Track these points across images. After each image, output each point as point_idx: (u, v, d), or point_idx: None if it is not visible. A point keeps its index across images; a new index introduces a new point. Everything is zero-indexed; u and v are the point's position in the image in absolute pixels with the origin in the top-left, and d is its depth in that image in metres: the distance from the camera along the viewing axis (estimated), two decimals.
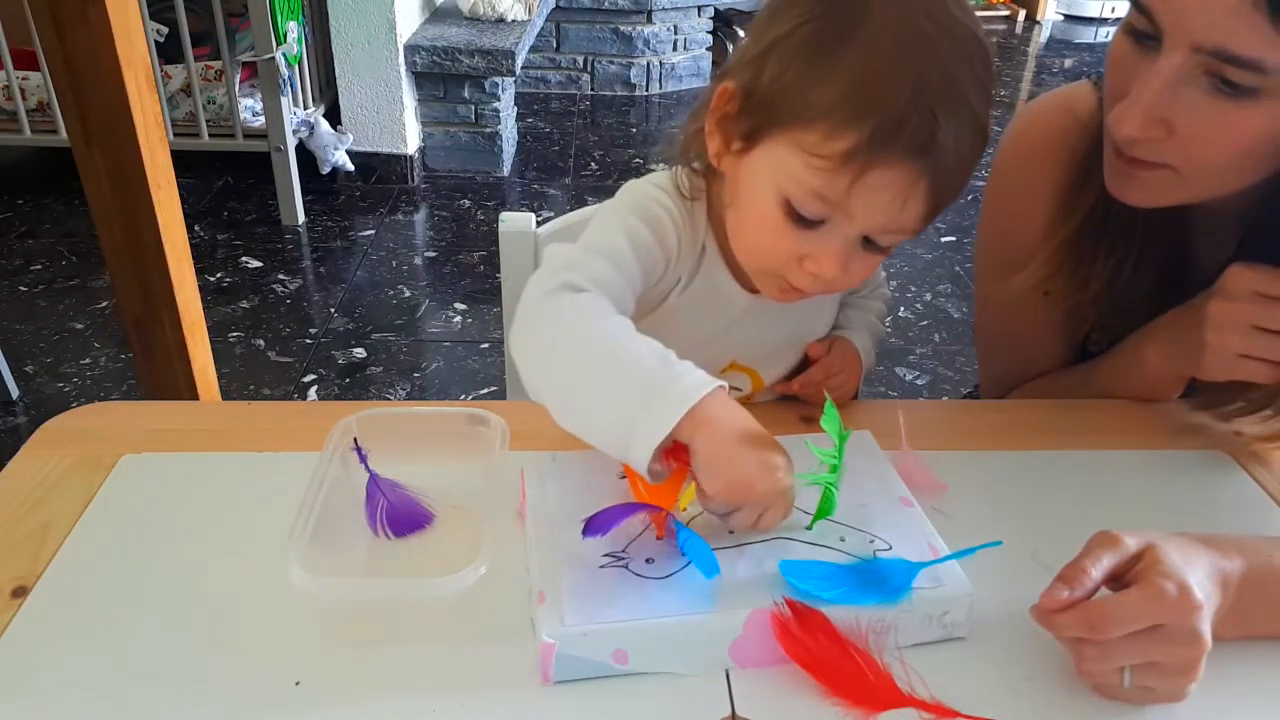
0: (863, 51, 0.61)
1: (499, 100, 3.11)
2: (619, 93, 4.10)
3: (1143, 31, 0.67)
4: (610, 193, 0.78)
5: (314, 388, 2.13)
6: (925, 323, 2.46)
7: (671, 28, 4.04)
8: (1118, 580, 0.56)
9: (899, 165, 0.61)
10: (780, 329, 0.83)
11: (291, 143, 2.76)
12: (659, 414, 0.58)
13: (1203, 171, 0.70)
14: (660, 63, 4.07)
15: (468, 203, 3.04)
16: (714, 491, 0.59)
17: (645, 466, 0.59)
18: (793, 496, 0.61)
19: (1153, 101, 0.67)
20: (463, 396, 2.12)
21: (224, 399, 1.69)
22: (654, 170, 0.80)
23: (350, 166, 2.98)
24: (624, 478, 0.66)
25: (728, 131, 0.69)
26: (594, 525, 0.58)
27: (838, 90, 0.61)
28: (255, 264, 2.63)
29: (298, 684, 0.55)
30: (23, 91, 2.78)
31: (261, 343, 2.28)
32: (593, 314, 0.65)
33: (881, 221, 0.65)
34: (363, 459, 0.68)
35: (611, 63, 4.04)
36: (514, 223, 0.99)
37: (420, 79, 3.07)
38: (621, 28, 3.96)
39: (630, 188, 0.77)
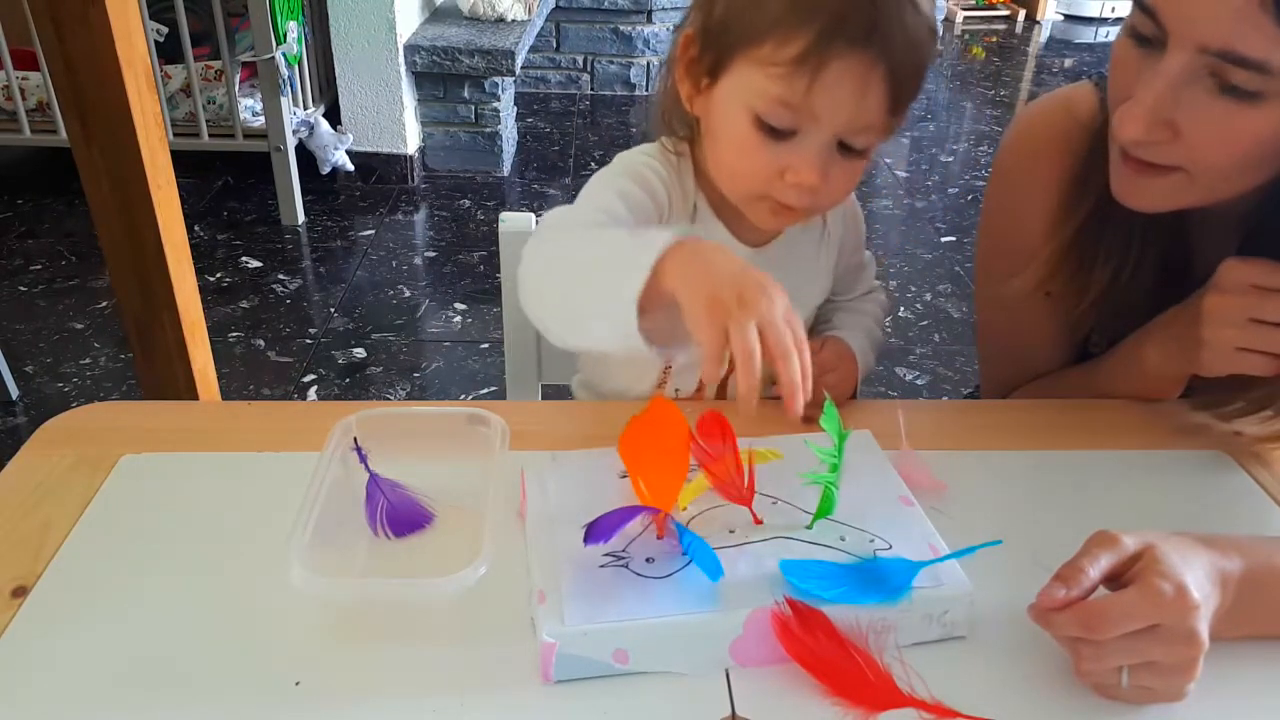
0: None
1: (499, 100, 3.11)
2: (619, 93, 4.09)
3: (1146, 34, 0.67)
4: None
5: (314, 388, 2.13)
6: (925, 323, 2.46)
7: (671, 28, 4.03)
8: (1116, 580, 0.56)
9: (849, 55, 0.66)
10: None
11: (291, 143, 2.76)
12: (637, 270, 0.58)
13: (1209, 174, 0.69)
14: (660, 62, 4.07)
15: (468, 203, 3.04)
16: (695, 312, 0.56)
17: (632, 321, 0.58)
18: (777, 291, 0.57)
19: (1157, 103, 0.66)
20: (463, 396, 2.12)
21: (224, 399, 1.69)
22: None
23: (350, 166, 2.98)
24: (624, 477, 0.66)
25: (695, 74, 0.74)
26: (595, 532, 0.58)
27: (781, 2, 0.66)
28: (255, 264, 2.63)
29: (298, 684, 0.55)
30: (23, 91, 2.79)
31: (261, 343, 2.28)
32: (569, 225, 0.71)
33: (846, 118, 0.69)
34: (363, 459, 0.68)
35: (611, 63, 4.05)
36: (514, 223, 0.99)
37: (420, 79, 3.07)
38: (621, 28, 3.96)
39: (619, 157, 0.82)
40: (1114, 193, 0.75)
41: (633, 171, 0.79)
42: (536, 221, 1.00)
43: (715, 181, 0.79)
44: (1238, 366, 0.72)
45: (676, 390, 0.88)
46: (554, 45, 4.02)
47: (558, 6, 3.86)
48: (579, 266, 0.66)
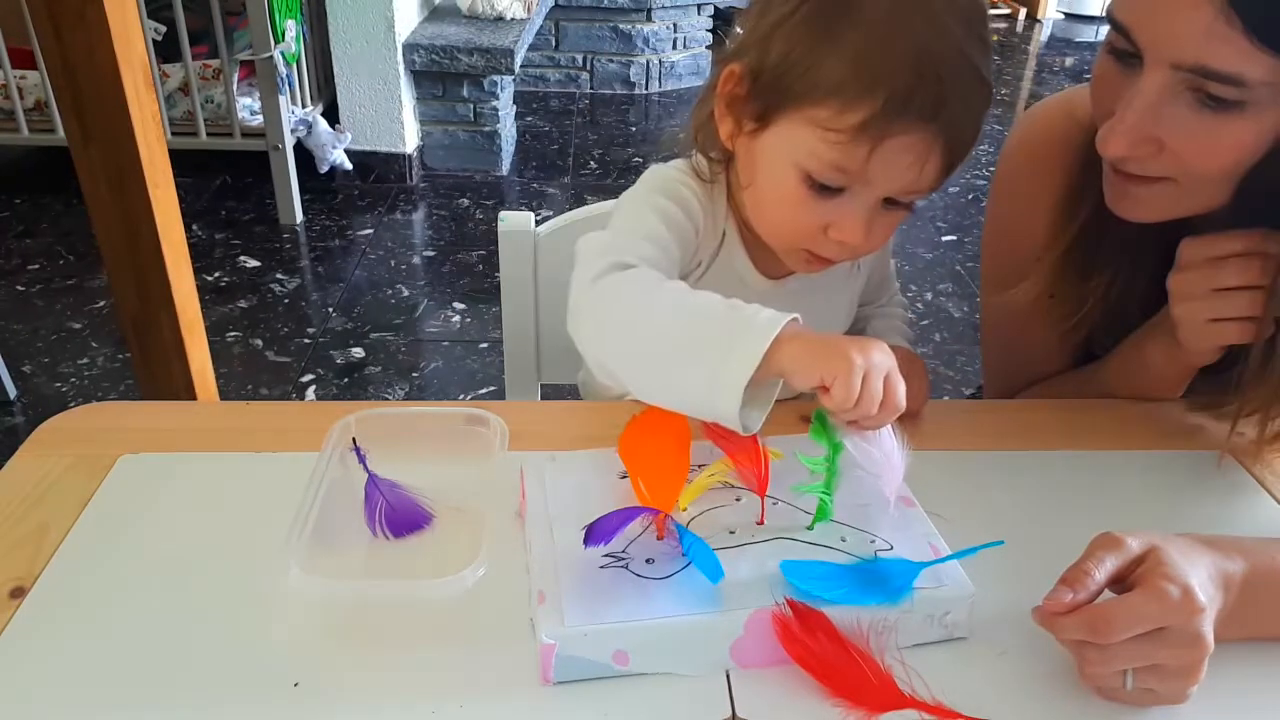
0: (864, 23, 0.63)
1: (498, 99, 3.11)
2: (618, 91, 4.09)
3: (1123, 50, 0.67)
4: (610, 192, 0.79)
5: (312, 388, 2.13)
6: (926, 322, 2.46)
7: (671, 26, 4.03)
8: (1120, 582, 0.55)
9: (913, 132, 0.64)
10: None
11: (289, 141, 2.75)
12: (741, 355, 0.58)
13: (1198, 182, 0.69)
14: (660, 61, 4.07)
15: (466, 202, 3.04)
16: (825, 377, 0.57)
17: (735, 411, 0.58)
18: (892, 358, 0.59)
19: (1137, 121, 0.66)
20: (461, 396, 2.12)
21: (222, 399, 1.68)
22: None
23: (348, 165, 2.97)
24: (624, 477, 0.66)
25: (738, 113, 0.71)
26: (594, 534, 0.58)
27: (845, 65, 0.63)
28: (253, 263, 2.63)
29: (296, 685, 0.55)
30: (20, 90, 2.78)
31: (259, 342, 2.28)
32: (648, 283, 0.66)
33: (900, 185, 0.67)
34: (361, 459, 0.68)
35: (611, 61, 4.04)
36: (513, 222, 0.99)
37: (419, 77, 3.06)
38: (621, 26, 3.96)
39: (653, 171, 0.79)
40: (1108, 204, 0.75)
41: (669, 190, 0.76)
42: (536, 222, 1.00)
43: (753, 224, 0.76)
44: (1216, 339, 0.73)
45: None
46: (553, 44, 4.01)
47: (557, 5, 3.85)
48: (669, 336, 0.63)
